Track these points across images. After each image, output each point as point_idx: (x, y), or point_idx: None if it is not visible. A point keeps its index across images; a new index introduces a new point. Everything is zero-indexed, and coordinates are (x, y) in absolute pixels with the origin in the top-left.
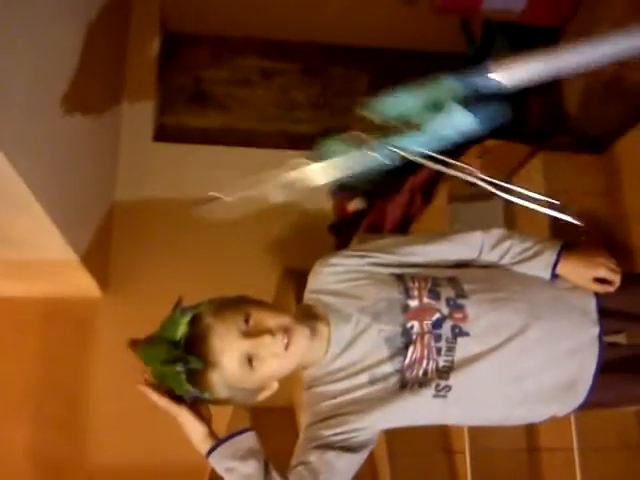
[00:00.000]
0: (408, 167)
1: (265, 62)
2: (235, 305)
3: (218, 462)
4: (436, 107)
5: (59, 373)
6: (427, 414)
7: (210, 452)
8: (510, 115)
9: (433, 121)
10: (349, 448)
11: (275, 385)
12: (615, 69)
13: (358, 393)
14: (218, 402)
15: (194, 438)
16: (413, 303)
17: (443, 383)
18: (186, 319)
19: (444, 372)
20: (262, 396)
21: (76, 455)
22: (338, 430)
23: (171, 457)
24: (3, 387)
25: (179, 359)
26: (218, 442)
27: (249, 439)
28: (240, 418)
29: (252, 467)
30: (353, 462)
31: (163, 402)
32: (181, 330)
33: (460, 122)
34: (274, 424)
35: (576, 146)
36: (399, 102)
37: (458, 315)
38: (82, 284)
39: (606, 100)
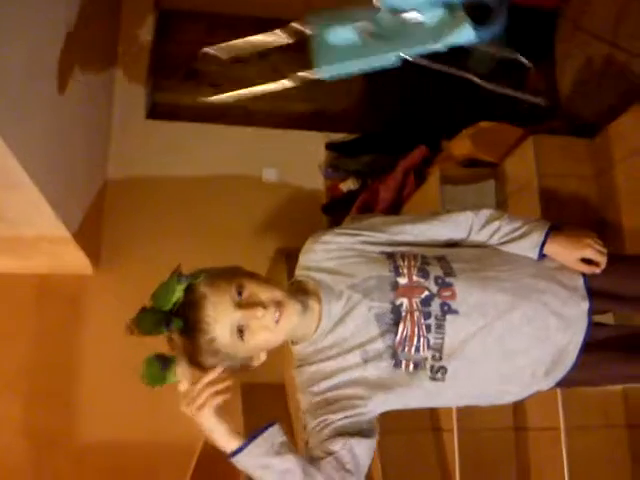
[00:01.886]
0: (401, 148)
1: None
2: (230, 276)
3: (249, 460)
4: (443, 5)
5: (51, 349)
6: (425, 397)
7: (238, 451)
8: (506, 26)
9: (437, 21)
10: (363, 433)
11: (263, 356)
12: (608, 53)
13: (354, 374)
14: (206, 369)
15: (218, 435)
16: (402, 281)
17: (437, 364)
18: (182, 286)
19: (436, 350)
20: (250, 366)
21: (68, 430)
22: (342, 415)
23: (162, 433)
24: None
25: (164, 320)
26: (248, 440)
27: (278, 432)
28: (232, 395)
29: (290, 462)
30: (371, 448)
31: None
32: (176, 296)
33: (464, 32)
34: (264, 400)
35: (568, 129)
36: None
37: (446, 293)
38: (74, 261)
39: (599, 84)
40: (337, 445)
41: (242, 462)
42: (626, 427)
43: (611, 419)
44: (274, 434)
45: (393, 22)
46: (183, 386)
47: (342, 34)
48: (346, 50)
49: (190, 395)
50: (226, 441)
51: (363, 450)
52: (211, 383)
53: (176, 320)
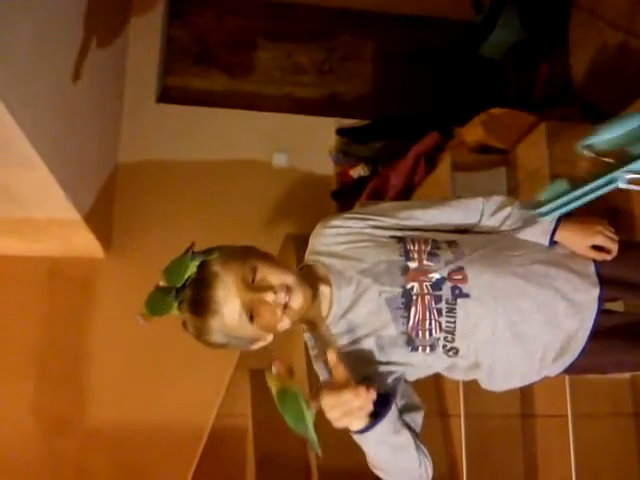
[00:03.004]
0: (413, 134)
1: (271, 25)
2: (244, 256)
3: (373, 437)
4: None
5: (62, 332)
6: (443, 369)
7: (366, 429)
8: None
9: None
10: (420, 406)
11: (270, 337)
12: (623, 40)
13: (372, 359)
14: (214, 346)
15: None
16: (413, 265)
17: (449, 345)
18: (195, 263)
19: (448, 333)
20: (256, 346)
21: (77, 413)
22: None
23: (170, 417)
24: (7, 344)
25: (173, 293)
26: (377, 419)
27: (394, 407)
28: (240, 379)
29: (405, 437)
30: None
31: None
32: (188, 273)
33: None
34: None
35: (581, 116)
36: (620, 129)
37: (457, 277)
38: (85, 244)
39: (613, 71)
40: (409, 418)
41: (367, 438)
42: (634, 415)
43: (619, 407)
44: (393, 410)
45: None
46: (326, 395)
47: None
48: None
49: (332, 407)
50: (357, 422)
51: (421, 420)
52: (355, 395)
53: (183, 292)
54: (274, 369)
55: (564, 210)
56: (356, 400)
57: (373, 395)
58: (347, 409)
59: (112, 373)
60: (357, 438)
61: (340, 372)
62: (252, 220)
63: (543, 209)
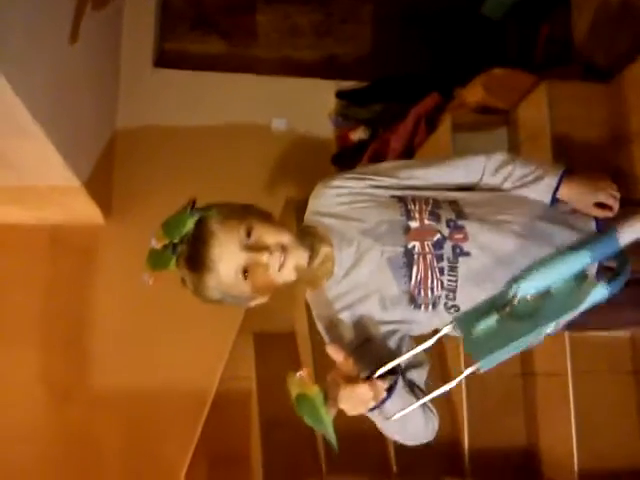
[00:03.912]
0: (413, 96)
1: None
2: (241, 215)
3: (382, 415)
4: (575, 280)
5: (65, 299)
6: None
7: (377, 406)
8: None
9: (571, 290)
10: (424, 364)
11: (266, 296)
12: None
13: (374, 318)
14: (211, 302)
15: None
16: (414, 224)
17: (450, 303)
18: (193, 219)
19: (450, 291)
20: (253, 303)
21: (81, 379)
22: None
23: (174, 381)
24: (11, 311)
25: (171, 248)
26: (387, 396)
27: (401, 379)
28: (244, 343)
29: (412, 404)
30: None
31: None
32: (186, 228)
33: (597, 294)
34: (276, 349)
35: (583, 75)
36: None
37: (458, 236)
38: (85, 211)
39: (614, 28)
40: (414, 375)
41: (376, 415)
42: (633, 373)
43: (619, 365)
44: (400, 381)
45: (529, 302)
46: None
47: (484, 325)
48: (491, 337)
49: (347, 399)
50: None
51: (425, 377)
52: (370, 387)
53: (180, 247)
54: (298, 375)
55: (495, 362)
56: (370, 391)
57: (386, 384)
58: (361, 400)
59: (115, 338)
60: (372, 414)
61: (348, 366)
62: (252, 185)
63: (481, 362)
